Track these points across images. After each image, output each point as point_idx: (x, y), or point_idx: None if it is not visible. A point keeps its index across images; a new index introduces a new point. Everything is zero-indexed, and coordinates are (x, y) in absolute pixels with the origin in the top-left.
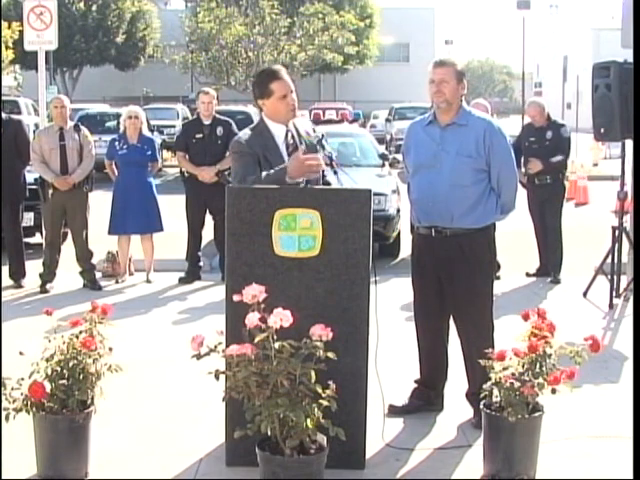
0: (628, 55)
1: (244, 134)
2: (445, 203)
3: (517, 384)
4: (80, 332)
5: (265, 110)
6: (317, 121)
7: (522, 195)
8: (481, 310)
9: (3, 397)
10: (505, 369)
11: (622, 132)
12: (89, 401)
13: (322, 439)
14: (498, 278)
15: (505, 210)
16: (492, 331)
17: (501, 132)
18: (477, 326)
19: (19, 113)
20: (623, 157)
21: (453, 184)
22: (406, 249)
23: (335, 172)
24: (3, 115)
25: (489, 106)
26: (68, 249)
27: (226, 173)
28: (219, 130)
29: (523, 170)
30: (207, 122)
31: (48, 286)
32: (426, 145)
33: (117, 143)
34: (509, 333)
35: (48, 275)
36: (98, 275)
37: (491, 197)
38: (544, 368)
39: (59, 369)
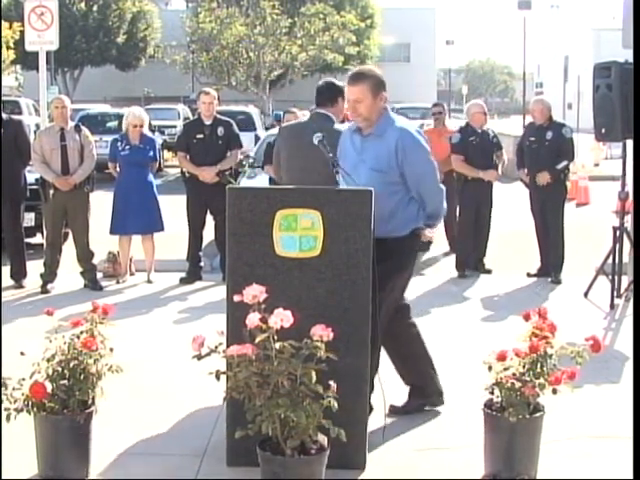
0: (629, 55)
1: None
2: None
3: (518, 384)
4: (81, 332)
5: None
6: None
7: (524, 195)
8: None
9: (4, 397)
10: (506, 369)
11: (623, 132)
12: (90, 401)
13: (323, 439)
14: (489, 272)
15: (434, 218)
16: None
17: (418, 143)
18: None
19: (20, 113)
20: (624, 157)
21: None
22: None
23: (337, 172)
24: (4, 115)
25: (485, 106)
26: (69, 249)
27: (227, 173)
28: (220, 130)
29: (525, 170)
30: (208, 122)
31: (49, 286)
32: (350, 154)
33: (119, 143)
34: (510, 333)
35: (49, 275)
36: (99, 275)
37: (410, 205)
38: (545, 368)
39: (60, 369)
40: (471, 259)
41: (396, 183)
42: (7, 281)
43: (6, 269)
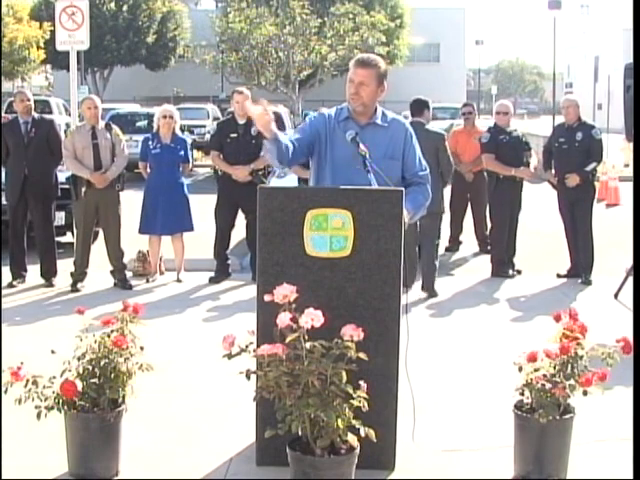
0: None
1: None
2: None
3: (548, 385)
4: (112, 331)
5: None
6: None
7: (552, 196)
8: None
9: (35, 395)
10: (536, 370)
11: None
12: (120, 400)
13: (353, 439)
14: (519, 272)
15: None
16: None
17: (414, 137)
18: None
19: (50, 113)
20: None
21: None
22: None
23: (368, 171)
24: (35, 115)
25: (509, 106)
26: (99, 248)
27: (260, 173)
28: (253, 130)
29: (553, 171)
30: (242, 122)
31: (79, 285)
32: (344, 143)
33: (150, 142)
34: (540, 334)
35: (79, 274)
36: (129, 274)
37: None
38: (576, 370)
39: (90, 368)
40: (504, 258)
41: (402, 177)
42: (37, 280)
43: (36, 268)
